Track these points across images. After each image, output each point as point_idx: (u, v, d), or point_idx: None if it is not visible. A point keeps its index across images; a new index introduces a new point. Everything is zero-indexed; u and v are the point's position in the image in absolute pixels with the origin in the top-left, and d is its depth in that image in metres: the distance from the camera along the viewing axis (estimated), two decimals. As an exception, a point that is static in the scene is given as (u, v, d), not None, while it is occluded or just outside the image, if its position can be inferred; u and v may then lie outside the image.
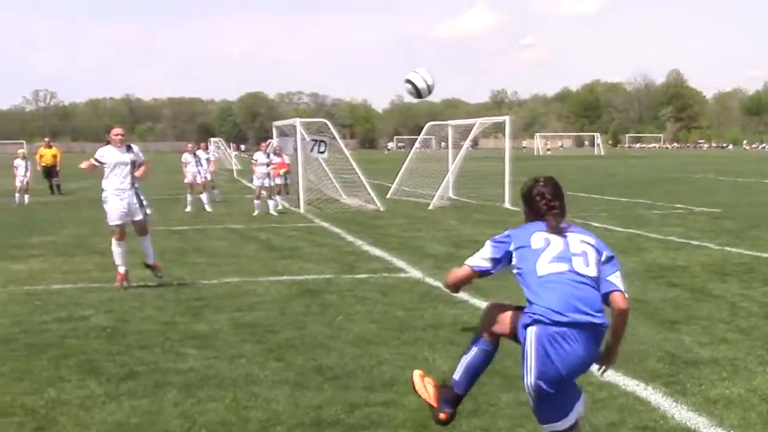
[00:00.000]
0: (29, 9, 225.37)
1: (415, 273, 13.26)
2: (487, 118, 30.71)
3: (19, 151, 32.14)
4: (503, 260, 5.01)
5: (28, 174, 29.96)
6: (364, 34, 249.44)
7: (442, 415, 5.37)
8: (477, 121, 27.93)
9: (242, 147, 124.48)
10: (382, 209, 24.33)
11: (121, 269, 12.08)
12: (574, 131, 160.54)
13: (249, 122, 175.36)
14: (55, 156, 33.94)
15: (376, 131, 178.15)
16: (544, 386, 4.69)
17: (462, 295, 11.09)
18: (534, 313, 4.71)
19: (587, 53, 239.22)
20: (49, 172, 33.48)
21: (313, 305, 10.68)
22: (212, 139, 59.71)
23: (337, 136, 27.00)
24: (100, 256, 15.15)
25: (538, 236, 4.95)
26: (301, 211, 24.13)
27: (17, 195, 29.21)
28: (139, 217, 12.27)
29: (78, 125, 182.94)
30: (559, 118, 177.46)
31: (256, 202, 24.14)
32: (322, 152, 25.78)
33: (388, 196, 28.50)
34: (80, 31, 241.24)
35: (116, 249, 12.12)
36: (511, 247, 4.98)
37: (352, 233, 18.81)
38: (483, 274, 5.08)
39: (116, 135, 12.17)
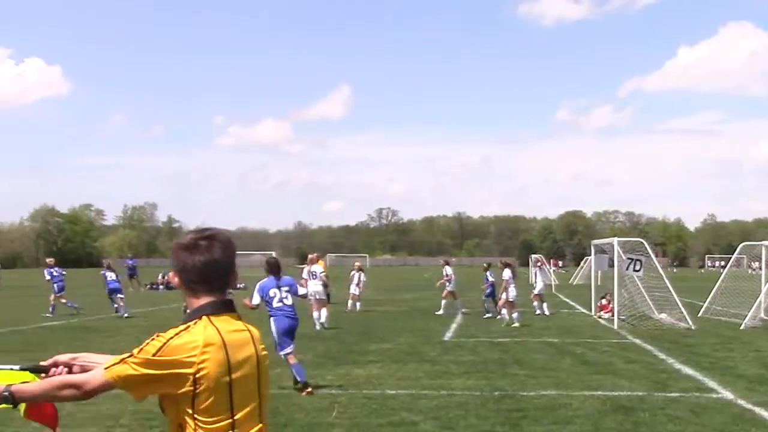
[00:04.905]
0: (388, 140, 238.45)
1: (726, 394, 12.59)
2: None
3: (356, 263, 33.37)
4: None
5: (362, 285, 31.37)
6: (684, 156, 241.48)
7: None
8: (793, 241, 26.18)
9: (560, 263, 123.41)
10: (693, 327, 23.24)
11: None
12: None
13: (567, 239, 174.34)
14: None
15: (687, 250, 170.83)
16: None
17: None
18: None
19: None
20: None
21: (626, 422, 10.44)
22: (533, 256, 59.99)
23: (651, 255, 26.36)
24: (430, 365, 15.71)
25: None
26: (615, 327, 23.60)
27: (350, 302, 30.68)
28: None
29: (414, 240, 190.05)
30: None
31: None
32: (637, 270, 25.22)
33: (699, 314, 27.16)
34: (429, 156, 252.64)
35: None
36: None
37: (664, 351, 18.15)
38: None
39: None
